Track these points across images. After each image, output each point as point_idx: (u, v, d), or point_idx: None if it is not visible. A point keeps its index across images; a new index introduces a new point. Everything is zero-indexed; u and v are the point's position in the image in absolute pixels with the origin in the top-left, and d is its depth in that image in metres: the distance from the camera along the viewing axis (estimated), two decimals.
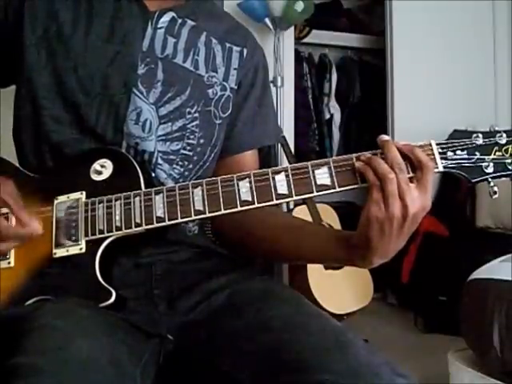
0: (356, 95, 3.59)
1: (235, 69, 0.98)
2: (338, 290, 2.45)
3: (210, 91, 0.95)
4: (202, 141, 0.94)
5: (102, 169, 0.85)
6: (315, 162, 0.78)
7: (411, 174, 0.76)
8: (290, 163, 2.56)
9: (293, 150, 2.72)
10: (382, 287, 3.07)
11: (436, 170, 0.77)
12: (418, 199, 0.74)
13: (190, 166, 0.94)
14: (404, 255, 2.98)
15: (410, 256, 2.93)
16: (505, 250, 1.67)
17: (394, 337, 2.56)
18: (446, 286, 2.58)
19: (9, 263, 0.82)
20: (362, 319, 2.50)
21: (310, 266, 2.42)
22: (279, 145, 2.60)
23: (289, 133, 2.95)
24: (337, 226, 2.57)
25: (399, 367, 0.71)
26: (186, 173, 0.94)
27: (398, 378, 0.69)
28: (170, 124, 0.91)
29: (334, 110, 3.55)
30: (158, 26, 0.92)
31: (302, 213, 2.42)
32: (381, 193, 0.74)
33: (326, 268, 2.46)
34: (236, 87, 0.98)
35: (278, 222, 0.92)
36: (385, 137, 0.77)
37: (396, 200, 0.73)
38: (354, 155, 0.78)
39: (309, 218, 2.43)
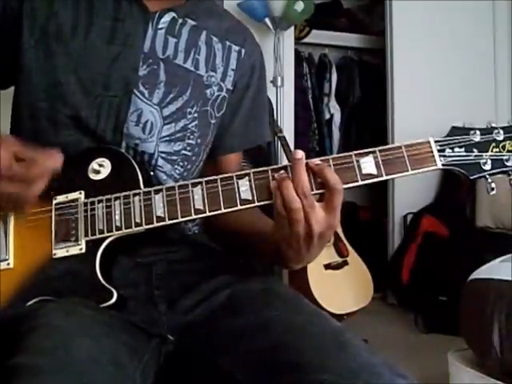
0: (356, 95, 3.58)
1: (233, 70, 0.98)
2: (338, 290, 2.45)
3: (208, 91, 0.95)
4: (199, 141, 0.95)
5: (100, 168, 0.84)
6: (314, 159, 0.78)
7: (317, 191, 0.76)
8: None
9: (293, 150, 2.72)
10: (382, 287, 3.07)
11: (435, 168, 0.78)
12: (324, 220, 0.75)
13: (189, 167, 0.95)
14: (404, 255, 2.98)
15: (409, 256, 2.93)
16: (505, 249, 1.67)
17: (394, 337, 2.56)
18: (446, 286, 2.58)
19: (8, 264, 0.81)
20: (362, 319, 2.49)
21: (309, 266, 2.42)
22: (279, 144, 2.60)
23: (289, 133, 2.95)
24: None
25: (399, 367, 0.71)
26: (185, 173, 0.95)
27: (397, 378, 0.69)
28: (173, 124, 0.92)
29: (334, 110, 3.54)
30: (159, 26, 0.92)
31: None
32: (286, 219, 0.75)
33: (326, 268, 2.47)
34: (232, 88, 0.99)
35: (238, 220, 0.92)
36: (298, 155, 0.76)
37: (301, 224, 0.74)
38: (354, 153, 0.78)
39: None
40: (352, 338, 0.75)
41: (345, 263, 2.49)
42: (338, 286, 2.45)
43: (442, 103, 3.16)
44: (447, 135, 0.79)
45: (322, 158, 0.78)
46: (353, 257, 2.55)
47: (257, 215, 0.90)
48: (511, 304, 1.43)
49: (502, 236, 2.77)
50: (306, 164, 0.76)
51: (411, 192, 2.99)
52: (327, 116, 3.56)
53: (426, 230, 2.94)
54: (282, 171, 0.77)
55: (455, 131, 0.80)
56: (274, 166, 0.78)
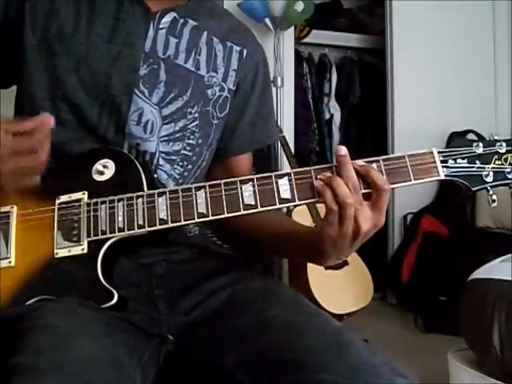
0: (356, 95, 3.58)
1: (234, 70, 0.98)
2: (338, 289, 2.45)
3: (209, 91, 0.95)
4: (200, 141, 0.95)
5: (104, 169, 0.85)
6: (318, 166, 0.79)
7: (365, 190, 0.76)
8: (290, 163, 2.56)
9: (293, 150, 2.73)
10: (382, 287, 3.07)
11: (437, 178, 0.78)
12: (371, 219, 0.76)
13: (189, 167, 0.95)
14: (404, 255, 2.98)
15: (409, 256, 2.93)
16: (505, 249, 1.67)
17: (394, 337, 2.56)
18: (446, 286, 2.58)
19: (10, 262, 0.81)
20: (362, 319, 2.50)
21: (309, 266, 2.42)
22: (279, 145, 2.61)
23: (289, 133, 2.95)
24: None
25: (399, 367, 0.71)
26: (186, 173, 0.95)
27: (397, 378, 0.69)
28: (172, 124, 0.92)
29: (334, 110, 3.54)
30: (160, 26, 0.92)
31: (302, 213, 2.43)
32: (337, 215, 0.75)
33: (326, 268, 2.46)
34: (233, 88, 0.98)
35: (261, 221, 0.91)
36: (342, 151, 0.77)
37: (350, 222, 0.75)
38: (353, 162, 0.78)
39: (309, 218, 2.44)
40: (352, 338, 0.75)
41: (345, 263, 2.49)
42: (338, 286, 2.45)
43: (442, 103, 3.17)
44: (449, 144, 0.80)
45: (327, 165, 0.79)
46: (353, 257, 2.55)
47: (282, 215, 0.91)
48: (511, 304, 1.43)
49: (502, 236, 2.77)
50: (352, 166, 0.76)
51: (411, 192, 2.99)
52: (327, 116, 3.56)
53: (425, 230, 2.94)
54: (328, 172, 0.77)
55: (458, 141, 0.80)
56: (278, 172, 0.79)
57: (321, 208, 2.56)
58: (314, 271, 2.41)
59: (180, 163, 0.94)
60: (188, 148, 0.94)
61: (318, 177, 0.77)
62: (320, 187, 0.76)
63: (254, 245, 0.98)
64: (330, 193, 0.75)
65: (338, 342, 0.73)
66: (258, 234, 0.93)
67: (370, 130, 3.58)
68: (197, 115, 0.94)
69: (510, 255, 1.59)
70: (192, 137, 0.94)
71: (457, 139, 0.81)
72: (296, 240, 0.87)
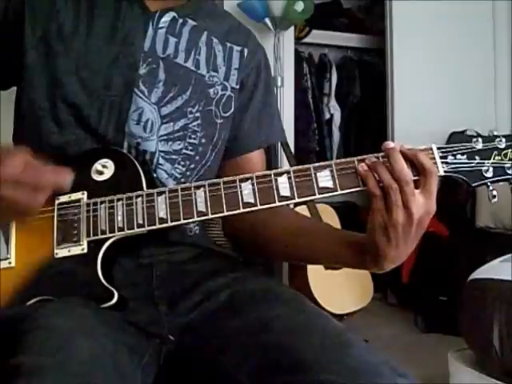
0: (356, 95, 3.59)
1: (236, 69, 0.98)
2: (338, 289, 2.45)
3: (211, 91, 0.95)
4: (203, 140, 0.95)
5: (104, 169, 0.85)
6: (317, 164, 0.78)
7: (415, 178, 0.76)
8: (290, 163, 2.56)
9: (293, 150, 2.72)
10: (382, 287, 3.07)
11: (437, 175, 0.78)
12: (423, 205, 0.75)
13: (192, 166, 0.95)
14: None
15: (410, 256, 2.91)
16: (505, 249, 1.67)
17: (394, 337, 2.56)
18: (446, 286, 2.58)
19: (10, 263, 0.81)
20: (362, 319, 2.50)
21: (309, 266, 2.42)
22: (279, 145, 2.60)
23: (289, 133, 2.95)
24: (337, 226, 2.57)
25: (399, 367, 0.71)
26: (188, 172, 0.94)
27: (398, 378, 0.69)
28: (171, 124, 0.92)
29: (333, 109, 3.55)
30: (159, 26, 0.93)
31: (302, 213, 2.42)
32: (382, 201, 0.75)
33: (326, 268, 2.46)
34: (237, 87, 0.98)
35: (291, 225, 0.92)
36: (390, 144, 0.77)
37: (399, 209, 0.74)
38: (356, 158, 0.78)
39: None
40: (352, 338, 0.75)
41: None
42: (338, 286, 2.46)
43: (442, 103, 3.17)
44: (449, 142, 0.80)
45: (325, 162, 0.78)
46: None
47: (325, 224, 0.90)
48: (511, 304, 1.43)
49: (502, 236, 2.76)
50: (400, 151, 0.76)
51: None
52: (327, 116, 3.56)
53: (426, 230, 2.94)
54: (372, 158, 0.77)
55: (457, 137, 0.80)
56: (277, 170, 0.79)
57: (321, 209, 2.56)
58: (314, 271, 2.41)
59: (182, 162, 0.93)
60: (190, 147, 0.94)
61: (366, 161, 0.77)
62: (363, 171, 0.76)
63: (275, 248, 0.95)
64: (373, 179, 0.75)
65: (338, 342, 0.73)
66: (282, 234, 0.92)
67: (369, 129, 3.58)
68: (198, 114, 0.94)
69: (510, 255, 1.59)
70: (194, 136, 0.94)
71: (455, 135, 0.81)
72: (328, 241, 0.86)
